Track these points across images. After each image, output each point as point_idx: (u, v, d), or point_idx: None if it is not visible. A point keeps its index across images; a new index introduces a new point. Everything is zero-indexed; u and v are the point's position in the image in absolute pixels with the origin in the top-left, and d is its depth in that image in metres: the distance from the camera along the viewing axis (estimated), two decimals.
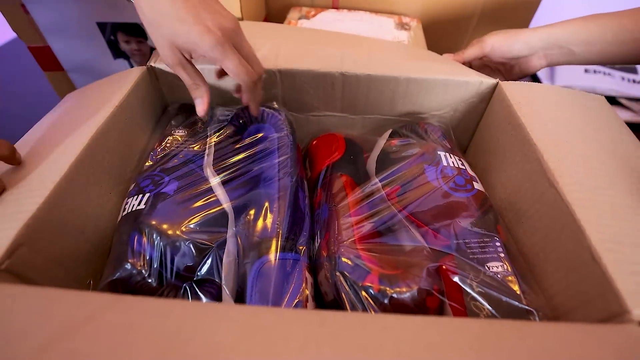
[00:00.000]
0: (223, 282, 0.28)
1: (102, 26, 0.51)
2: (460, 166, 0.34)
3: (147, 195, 0.30)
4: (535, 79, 0.80)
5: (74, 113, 0.34)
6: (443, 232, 0.29)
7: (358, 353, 0.14)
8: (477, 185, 0.33)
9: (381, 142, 0.39)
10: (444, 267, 0.26)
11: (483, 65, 0.46)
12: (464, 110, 0.42)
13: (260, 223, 0.31)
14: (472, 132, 0.44)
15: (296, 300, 0.27)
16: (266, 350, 0.14)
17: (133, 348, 0.15)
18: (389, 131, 0.40)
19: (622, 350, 0.18)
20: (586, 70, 0.72)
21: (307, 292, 0.29)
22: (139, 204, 0.30)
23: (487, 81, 0.39)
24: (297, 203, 0.33)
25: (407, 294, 0.24)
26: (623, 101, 0.69)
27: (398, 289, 0.24)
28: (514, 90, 0.36)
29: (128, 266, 0.26)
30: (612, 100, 0.70)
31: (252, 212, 0.31)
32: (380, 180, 0.33)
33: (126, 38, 0.52)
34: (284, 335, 0.15)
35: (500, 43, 0.42)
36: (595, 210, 0.25)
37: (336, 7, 0.72)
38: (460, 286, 0.25)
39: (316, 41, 0.44)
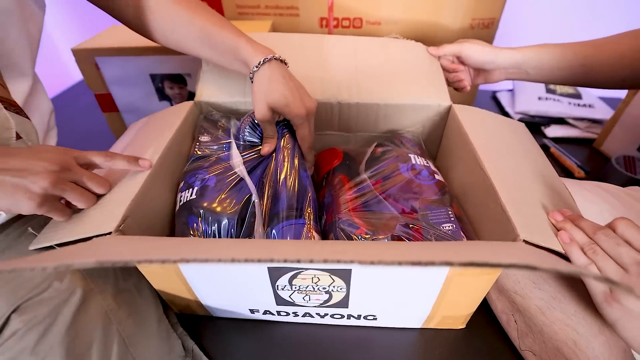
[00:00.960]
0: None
1: (153, 76, 0.66)
2: (426, 164, 0.47)
3: (195, 188, 0.42)
4: (499, 105, 0.95)
5: (146, 134, 0.48)
6: (411, 206, 0.41)
7: (347, 245, 0.26)
8: (438, 177, 0.46)
9: (369, 151, 0.52)
10: (411, 225, 0.38)
11: (458, 63, 0.57)
12: (430, 126, 0.55)
13: (276, 199, 0.42)
14: (438, 143, 0.57)
15: None
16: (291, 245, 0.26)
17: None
18: (375, 143, 0.54)
19: (512, 250, 0.30)
20: (539, 98, 0.86)
21: None
22: (190, 195, 0.42)
23: (444, 104, 0.52)
24: (302, 181, 0.43)
25: (385, 239, 0.36)
26: (570, 121, 0.83)
27: (378, 236, 0.36)
28: (462, 111, 0.50)
29: (192, 237, 0.38)
30: (562, 120, 0.84)
31: (269, 192, 0.43)
32: (368, 175, 0.46)
33: (171, 85, 0.68)
34: (300, 244, 0.27)
35: (473, 54, 0.54)
36: (508, 185, 0.38)
37: None
38: (423, 237, 0.37)
39: (319, 63, 0.55)
